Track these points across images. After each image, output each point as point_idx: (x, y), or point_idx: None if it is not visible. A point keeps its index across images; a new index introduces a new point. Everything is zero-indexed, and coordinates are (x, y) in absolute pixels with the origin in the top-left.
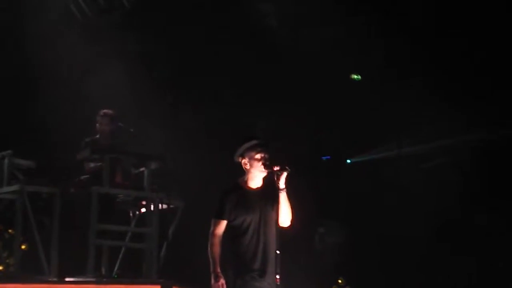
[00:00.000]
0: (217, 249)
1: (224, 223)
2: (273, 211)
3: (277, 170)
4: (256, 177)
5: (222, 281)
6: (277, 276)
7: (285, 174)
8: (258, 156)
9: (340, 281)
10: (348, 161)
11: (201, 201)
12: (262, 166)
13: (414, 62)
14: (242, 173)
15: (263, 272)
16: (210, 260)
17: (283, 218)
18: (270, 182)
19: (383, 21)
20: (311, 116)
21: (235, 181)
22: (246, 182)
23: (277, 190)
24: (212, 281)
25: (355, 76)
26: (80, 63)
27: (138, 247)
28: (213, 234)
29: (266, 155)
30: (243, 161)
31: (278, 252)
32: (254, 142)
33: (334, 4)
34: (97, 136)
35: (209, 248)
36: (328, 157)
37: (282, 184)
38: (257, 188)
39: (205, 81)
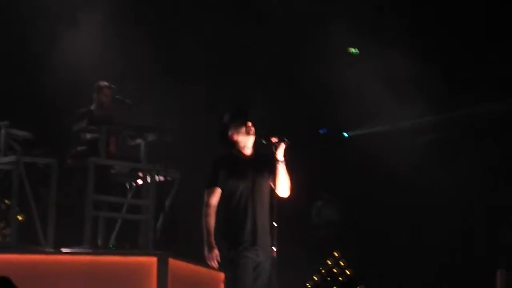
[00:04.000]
0: (211, 219)
1: (218, 192)
2: (267, 179)
3: (275, 141)
4: (245, 145)
5: (215, 252)
6: (274, 249)
7: (283, 145)
8: (239, 122)
9: (335, 254)
10: (346, 134)
11: (198, 173)
12: (250, 134)
13: (412, 36)
14: (233, 144)
15: (255, 242)
16: (204, 230)
17: (282, 189)
18: (262, 151)
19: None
20: (309, 90)
21: (227, 151)
22: (237, 151)
23: (272, 159)
24: (206, 252)
25: (353, 50)
26: (79, 32)
27: (134, 219)
28: (207, 204)
29: (251, 123)
30: (230, 135)
31: (275, 224)
32: (237, 112)
33: None
34: (92, 107)
35: (203, 219)
36: (326, 130)
37: (280, 156)
38: (249, 155)
39: (202, 53)
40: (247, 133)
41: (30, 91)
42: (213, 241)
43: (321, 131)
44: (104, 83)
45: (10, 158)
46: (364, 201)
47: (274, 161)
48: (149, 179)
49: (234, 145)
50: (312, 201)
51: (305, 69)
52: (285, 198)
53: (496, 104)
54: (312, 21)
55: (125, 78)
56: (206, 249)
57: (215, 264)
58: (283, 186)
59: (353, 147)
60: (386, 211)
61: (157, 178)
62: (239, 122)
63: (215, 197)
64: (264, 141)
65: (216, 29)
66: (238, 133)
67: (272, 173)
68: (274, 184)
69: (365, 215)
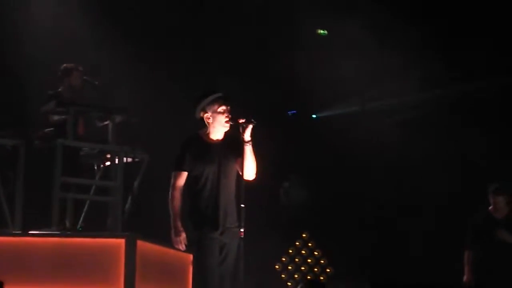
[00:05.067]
0: (177, 202)
1: (184, 175)
2: (234, 164)
3: (242, 122)
4: (217, 131)
5: (182, 235)
6: (241, 230)
7: (250, 126)
8: (221, 109)
9: (304, 235)
10: (314, 116)
11: (166, 154)
12: (226, 119)
13: (380, 14)
14: (204, 126)
15: (221, 224)
16: (171, 213)
17: (248, 171)
18: (231, 135)
19: None
20: (277, 71)
21: (196, 133)
22: (207, 134)
23: (239, 142)
24: (172, 234)
25: (321, 31)
26: (46, 17)
27: (102, 201)
28: (174, 187)
29: (229, 108)
30: (205, 115)
31: (242, 205)
32: (216, 95)
33: None
34: (60, 88)
35: (169, 201)
36: (294, 111)
37: (247, 136)
38: (218, 140)
39: (171, 36)
40: (225, 121)
41: None
42: (179, 225)
43: (289, 113)
44: (72, 66)
45: None
46: (332, 182)
47: (242, 143)
48: (117, 161)
49: (205, 126)
50: (280, 182)
51: (273, 50)
52: (250, 180)
53: (464, 84)
54: (281, 2)
55: (93, 58)
56: (172, 232)
57: (182, 247)
58: (249, 168)
59: (322, 128)
60: (355, 191)
61: (125, 159)
62: (219, 108)
63: (182, 179)
64: (231, 122)
65: (184, 11)
66: (214, 118)
67: (240, 156)
68: (241, 167)
69: (333, 196)
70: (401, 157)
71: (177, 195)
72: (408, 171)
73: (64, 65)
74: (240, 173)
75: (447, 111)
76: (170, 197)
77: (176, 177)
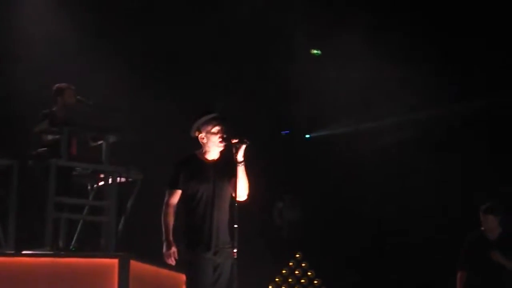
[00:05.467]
0: (170, 218)
1: (178, 193)
2: (228, 184)
3: (235, 142)
4: (212, 151)
5: (173, 249)
6: (235, 250)
7: (243, 147)
8: (215, 129)
9: (297, 255)
10: (307, 136)
11: (160, 175)
12: (219, 140)
13: (376, 37)
14: (199, 146)
15: (213, 244)
16: (163, 229)
17: (240, 192)
18: (226, 156)
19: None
20: (271, 91)
21: (191, 152)
22: (202, 154)
23: (234, 163)
24: (164, 249)
25: (315, 51)
26: (40, 32)
27: (96, 220)
28: (167, 204)
29: (223, 129)
30: (199, 135)
31: (236, 226)
32: (210, 115)
33: None
34: (54, 108)
35: (162, 218)
36: (287, 131)
37: (240, 157)
38: (213, 160)
39: (164, 53)
40: (219, 141)
41: None
42: (171, 239)
43: (282, 132)
44: (65, 85)
45: None
46: (325, 202)
47: (235, 163)
48: (110, 181)
49: (200, 146)
50: (273, 202)
51: (267, 70)
52: (243, 201)
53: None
54: (275, 23)
55: (86, 78)
56: (164, 246)
57: (172, 261)
58: (241, 188)
59: (315, 148)
60: (347, 212)
61: (118, 179)
62: (213, 128)
63: (175, 198)
64: (224, 142)
65: (179, 29)
66: (208, 138)
67: (233, 176)
68: (234, 187)
69: (326, 216)
70: (396, 176)
71: (170, 211)
72: (404, 190)
73: (57, 84)
74: (233, 194)
75: (443, 130)
76: (163, 214)
77: (170, 194)
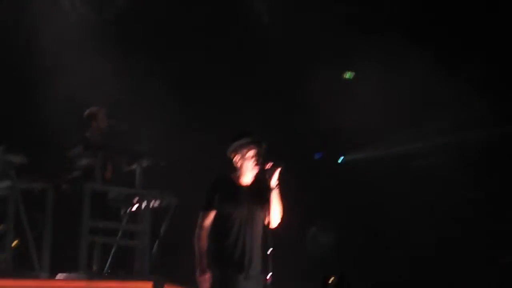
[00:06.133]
0: (204, 242)
1: (212, 215)
2: (261, 209)
3: (269, 167)
4: (247, 174)
5: (207, 275)
6: (268, 275)
7: (277, 171)
8: (250, 153)
9: (331, 280)
10: (341, 159)
11: (194, 199)
12: (254, 164)
13: (409, 61)
14: (234, 169)
15: (247, 269)
16: (196, 253)
17: (274, 217)
18: (260, 180)
19: (374, 16)
20: (304, 114)
21: (226, 174)
22: (236, 177)
23: (267, 188)
24: (198, 274)
25: (348, 74)
26: (71, 57)
27: (130, 245)
28: (201, 227)
29: (258, 153)
30: (235, 157)
31: (269, 251)
32: (247, 139)
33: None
34: (87, 133)
35: (196, 241)
36: (320, 155)
37: (274, 181)
38: (247, 184)
39: (195, 78)
40: (254, 165)
41: (26, 116)
42: (204, 264)
43: (316, 156)
44: (97, 109)
45: (6, 183)
46: (359, 226)
47: (269, 188)
48: (144, 205)
49: (235, 169)
50: (307, 227)
51: (300, 94)
52: (275, 226)
53: (487, 131)
54: (308, 45)
55: (120, 102)
56: (198, 271)
57: (206, 287)
58: (275, 213)
59: (348, 171)
60: (382, 236)
61: (152, 203)
62: (248, 152)
63: (209, 219)
64: (259, 167)
65: (213, 52)
66: (243, 161)
67: (266, 201)
68: (267, 212)
69: (360, 240)
70: (429, 202)
71: (204, 234)
72: (436, 215)
73: (89, 109)
74: (266, 219)
75: (476, 155)
76: (196, 237)
77: (204, 216)
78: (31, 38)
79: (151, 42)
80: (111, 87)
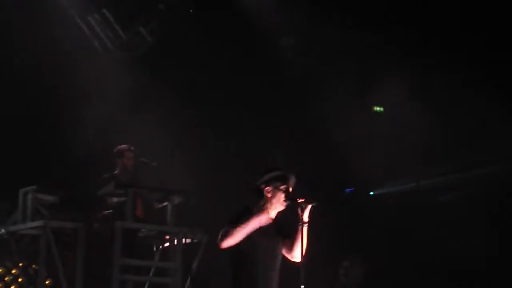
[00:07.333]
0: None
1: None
2: (282, 244)
3: (301, 202)
4: (275, 208)
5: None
6: None
7: (309, 207)
8: (282, 187)
9: None
10: (372, 193)
11: None
12: (284, 199)
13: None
14: (262, 200)
15: None
16: (241, 226)
17: (298, 253)
18: (283, 215)
19: (402, 57)
20: (334, 148)
21: (254, 206)
22: (263, 209)
23: (292, 223)
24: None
25: (377, 109)
26: (103, 96)
27: (162, 282)
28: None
29: (290, 187)
30: (266, 189)
31: (302, 287)
32: (280, 172)
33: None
34: (116, 171)
35: (230, 235)
36: (352, 189)
37: (306, 217)
38: (271, 217)
39: (224, 112)
40: (284, 200)
41: (57, 156)
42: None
43: (346, 190)
44: (125, 147)
45: (38, 223)
46: (391, 261)
47: (296, 223)
48: (176, 242)
49: (264, 201)
50: (339, 261)
51: (329, 128)
52: (297, 262)
53: None
54: (334, 78)
55: (150, 140)
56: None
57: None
58: (300, 248)
59: (379, 205)
60: (414, 270)
61: (184, 240)
62: (281, 185)
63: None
64: (289, 202)
65: (243, 90)
66: (274, 194)
67: (287, 237)
68: (290, 247)
69: (392, 275)
70: (461, 235)
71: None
72: (469, 247)
73: (118, 147)
74: (287, 254)
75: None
76: (228, 235)
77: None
78: (64, 76)
79: (182, 77)
80: (142, 125)
